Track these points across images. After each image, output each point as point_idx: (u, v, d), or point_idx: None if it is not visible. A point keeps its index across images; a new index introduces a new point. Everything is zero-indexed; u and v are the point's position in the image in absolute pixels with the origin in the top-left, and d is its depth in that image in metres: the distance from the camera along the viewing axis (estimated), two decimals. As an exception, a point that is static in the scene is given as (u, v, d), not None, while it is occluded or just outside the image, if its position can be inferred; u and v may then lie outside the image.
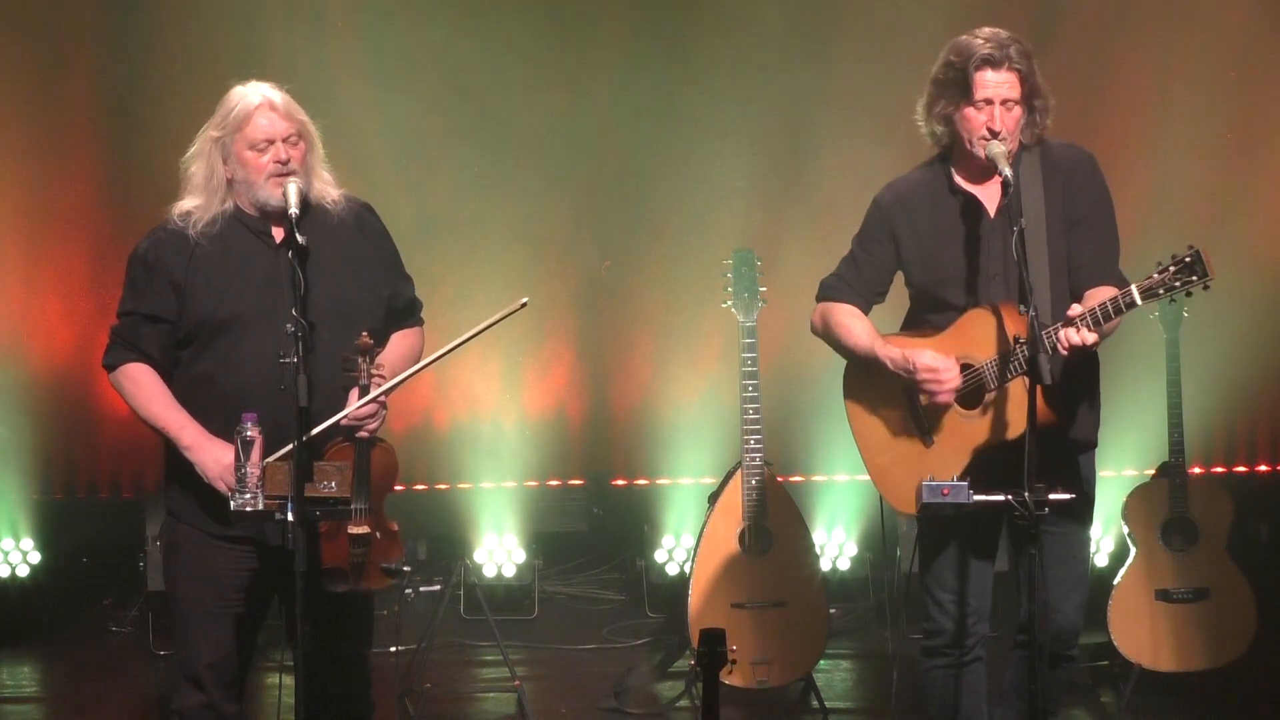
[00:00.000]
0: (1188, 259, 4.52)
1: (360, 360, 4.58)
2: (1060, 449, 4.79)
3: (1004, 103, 4.72)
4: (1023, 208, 4.65)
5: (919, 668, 5.07)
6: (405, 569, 4.73)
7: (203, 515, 4.66)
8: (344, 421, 4.54)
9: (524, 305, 4.56)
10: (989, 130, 4.72)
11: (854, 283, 5.00)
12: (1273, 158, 8.06)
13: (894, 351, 4.82)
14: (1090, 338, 4.56)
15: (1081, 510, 4.91)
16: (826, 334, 5.03)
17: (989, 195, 4.85)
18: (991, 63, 4.72)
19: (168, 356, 4.70)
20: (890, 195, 4.97)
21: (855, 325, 4.95)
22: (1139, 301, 4.55)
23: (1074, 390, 4.80)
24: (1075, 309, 4.58)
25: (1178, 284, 4.53)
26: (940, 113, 4.81)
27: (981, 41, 4.75)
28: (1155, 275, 4.55)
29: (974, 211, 4.85)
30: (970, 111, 4.75)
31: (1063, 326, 4.59)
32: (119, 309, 4.75)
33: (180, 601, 4.77)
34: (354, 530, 4.58)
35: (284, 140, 4.63)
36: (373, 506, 4.62)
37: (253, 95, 4.65)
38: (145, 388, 4.68)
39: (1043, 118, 4.80)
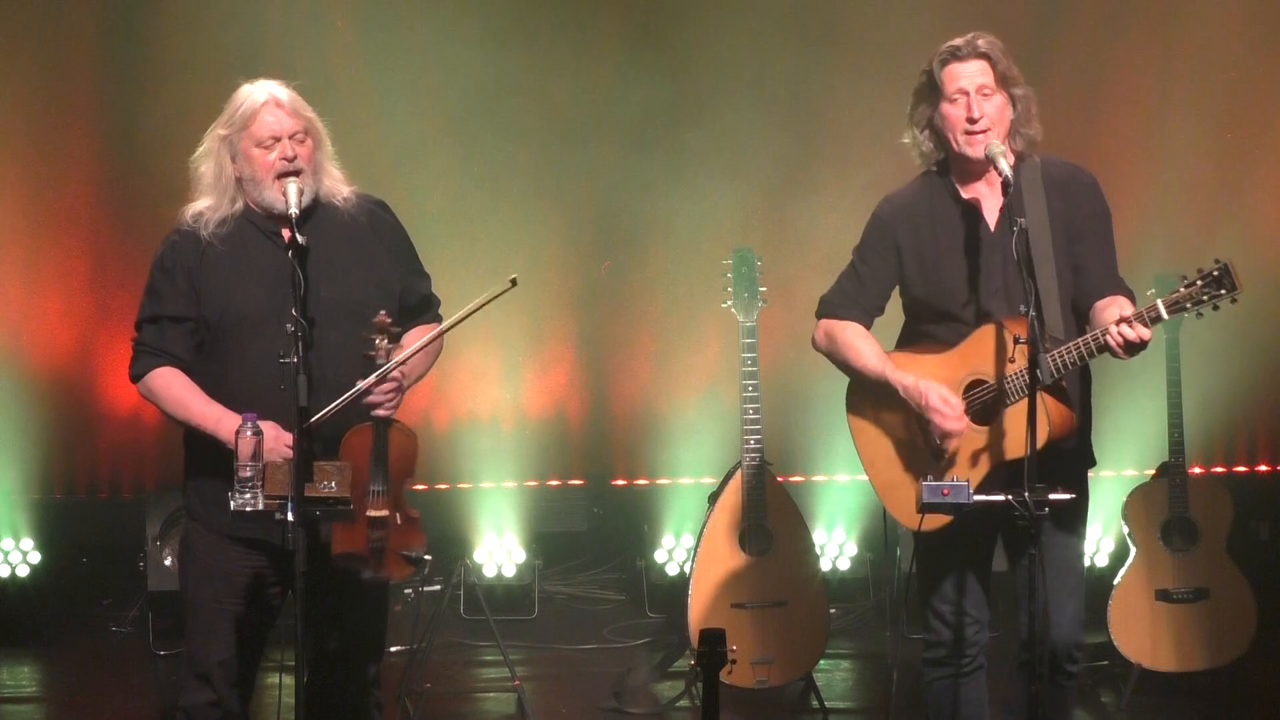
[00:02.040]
0: (1215, 272, 4.44)
1: (379, 339, 4.55)
2: (1069, 464, 4.79)
3: (979, 90, 4.73)
4: (1026, 217, 4.66)
5: (922, 679, 5.06)
6: (426, 557, 4.63)
7: (218, 516, 4.63)
8: (364, 401, 4.50)
9: (514, 283, 4.54)
10: (969, 120, 4.71)
11: (856, 297, 4.97)
12: (1272, 158, 8.06)
13: (907, 379, 4.80)
14: (1146, 334, 4.51)
15: (1077, 521, 4.90)
16: (831, 353, 5.00)
17: (990, 205, 4.82)
18: (957, 55, 4.75)
19: (195, 355, 4.69)
20: (890, 207, 4.95)
21: (863, 346, 4.92)
22: (1165, 315, 4.49)
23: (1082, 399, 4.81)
24: (1129, 310, 4.55)
25: (1205, 298, 4.45)
26: (922, 117, 4.82)
27: (948, 43, 4.78)
28: (1182, 289, 4.48)
29: (975, 221, 4.84)
30: (946, 108, 4.76)
31: (1117, 325, 4.52)
32: (138, 318, 4.73)
33: (193, 598, 4.76)
34: (372, 513, 4.53)
35: (290, 137, 4.62)
36: (391, 491, 4.59)
37: (259, 93, 4.64)
38: (175, 388, 4.67)
39: (1026, 109, 4.78)
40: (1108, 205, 4.87)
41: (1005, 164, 4.63)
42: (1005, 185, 4.62)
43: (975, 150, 4.74)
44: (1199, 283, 4.47)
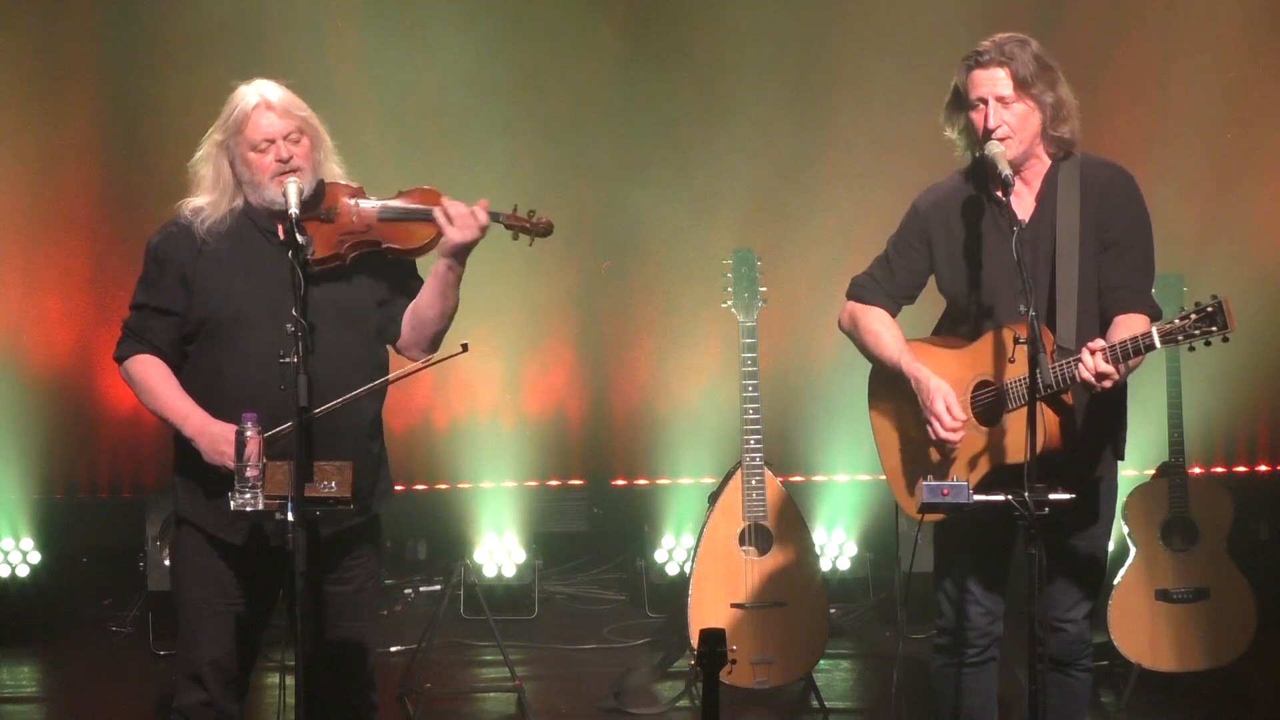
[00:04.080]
0: (1210, 309, 4.45)
1: None
2: (1088, 463, 4.80)
3: (999, 99, 4.72)
4: (1058, 219, 4.69)
5: (932, 665, 5.07)
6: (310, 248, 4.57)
7: (207, 514, 4.65)
8: None
9: (464, 348, 4.56)
10: (985, 129, 4.72)
11: (885, 284, 4.99)
12: (1272, 158, 8.06)
13: (921, 373, 4.80)
14: (1105, 368, 4.50)
15: (1104, 520, 4.93)
16: (854, 335, 5.03)
17: (1022, 206, 4.81)
18: (979, 62, 4.73)
19: (176, 349, 4.70)
20: (927, 201, 4.96)
21: (884, 334, 4.94)
22: (1158, 344, 4.50)
23: (1102, 407, 4.78)
24: (1098, 343, 4.55)
25: (1197, 332, 4.46)
26: (951, 120, 4.83)
27: (976, 45, 4.77)
28: (1176, 320, 4.49)
29: (1005, 221, 4.81)
30: (972, 115, 4.76)
31: (1091, 354, 4.52)
32: (131, 301, 4.76)
33: (183, 598, 4.76)
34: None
35: (284, 138, 4.62)
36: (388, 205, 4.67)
37: (250, 96, 4.63)
38: (151, 378, 4.69)
39: (1056, 112, 4.76)
40: (1146, 209, 4.83)
41: (1005, 166, 4.62)
42: (1005, 186, 4.62)
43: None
44: (1193, 315, 4.48)
